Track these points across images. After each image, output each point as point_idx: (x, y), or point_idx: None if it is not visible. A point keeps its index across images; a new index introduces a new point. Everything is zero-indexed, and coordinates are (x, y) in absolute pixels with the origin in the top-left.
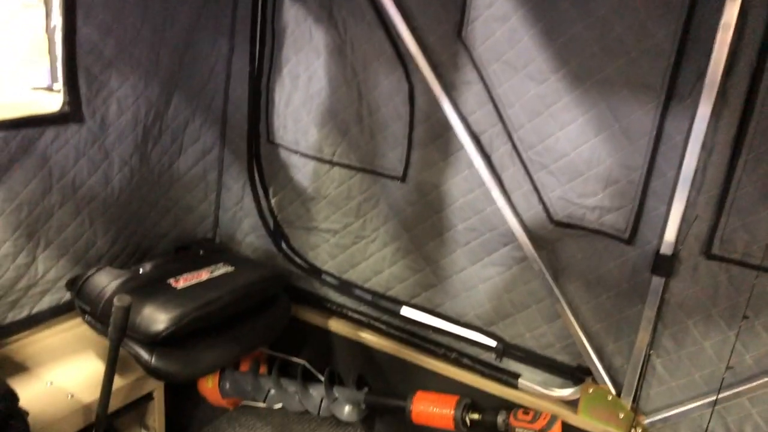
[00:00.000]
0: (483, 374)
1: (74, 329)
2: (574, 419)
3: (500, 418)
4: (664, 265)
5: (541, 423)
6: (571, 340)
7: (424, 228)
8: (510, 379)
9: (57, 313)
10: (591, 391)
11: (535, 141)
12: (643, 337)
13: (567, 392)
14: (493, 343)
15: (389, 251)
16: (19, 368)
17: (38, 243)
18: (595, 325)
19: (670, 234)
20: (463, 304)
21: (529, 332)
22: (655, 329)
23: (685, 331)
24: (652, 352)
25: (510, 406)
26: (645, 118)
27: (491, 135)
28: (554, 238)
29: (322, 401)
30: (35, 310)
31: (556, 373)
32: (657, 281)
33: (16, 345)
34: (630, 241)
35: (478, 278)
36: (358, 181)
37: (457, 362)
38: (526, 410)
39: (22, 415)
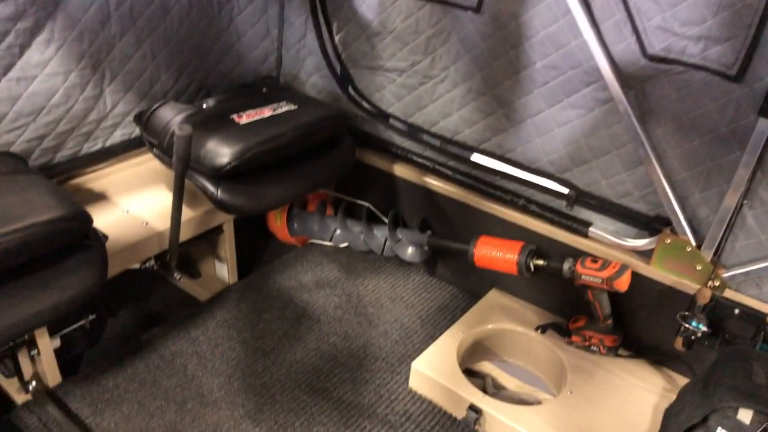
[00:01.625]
0: (551, 222)
1: (146, 163)
2: (646, 269)
3: (566, 265)
4: None
5: (610, 271)
6: (651, 189)
7: (498, 66)
8: (580, 227)
9: (129, 147)
10: (668, 241)
11: None
12: (736, 186)
13: (641, 242)
14: (565, 190)
15: (459, 92)
16: (98, 197)
17: (103, 75)
18: (681, 173)
19: None
20: (536, 150)
21: (605, 179)
22: (752, 178)
23: None
24: (744, 202)
25: (578, 255)
26: None
27: None
28: (646, 75)
29: (385, 242)
30: (108, 143)
31: (630, 223)
32: (764, 124)
33: (93, 176)
34: (737, 78)
35: (555, 122)
36: (427, 13)
37: (524, 209)
38: (595, 258)
39: (99, 236)
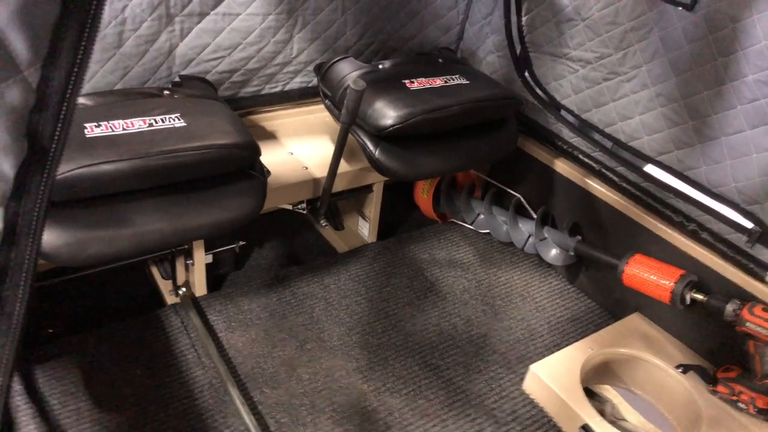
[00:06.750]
0: (723, 255)
1: (317, 113)
2: None
3: (730, 307)
4: None
5: None
6: None
7: (700, 73)
8: (757, 268)
9: (304, 95)
10: None
11: None
12: None
13: None
14: (749, 224)
15: (646, 95)
16: (268, 135)
17: (296, 22)
18: None
19: None
20: (723, 173)
21: None
22: None
23: None
24: None
25: (746, 298)
26: None
27: None
28: None
29: (529, 238)
30: (287, 87)
31: None
32: None
33: (268, 115)
34: None
35: (755, 146)
36: (630, 4)
37: (693, 235)
38: (767, 307)
39: (263, 169)
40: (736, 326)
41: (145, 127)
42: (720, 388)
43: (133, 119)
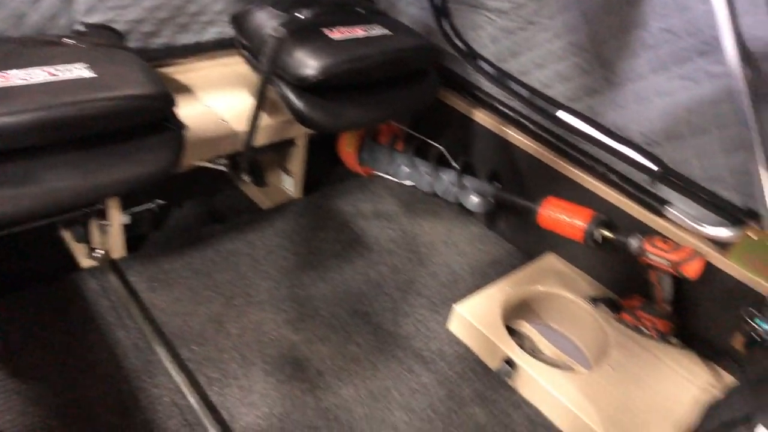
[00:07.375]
0: (628, 195)
1: (234, 66)
2: (721, 262)
3: (634, 241)
4: None
5: (680, 255)
6: (746, 178)
7: (609, 22)
8: (657, 204)
9: (220, 46)
10: (755, 237)
11: None
12: None
13: (721, 232)
14: (650, 165)
15: (560, 45)
16: (183, 88)
17: None
18: None
19: None
20: (628, 118)
21: (697, 160)
22: None
23: None
24: None
25: (648, 233)
26: None
27: None
28: None
29: (450, 187)
30: (203, 38)
31: (714, 210)
32: None
33: (182, 68)
34: None
35: (656, 91)
36: None
37: (603, 177)
38: (666, 239)
39: (179, 121)
40: (639, 258)
41: (47, 77)
42: (625, 316)
43: (32, 69)
